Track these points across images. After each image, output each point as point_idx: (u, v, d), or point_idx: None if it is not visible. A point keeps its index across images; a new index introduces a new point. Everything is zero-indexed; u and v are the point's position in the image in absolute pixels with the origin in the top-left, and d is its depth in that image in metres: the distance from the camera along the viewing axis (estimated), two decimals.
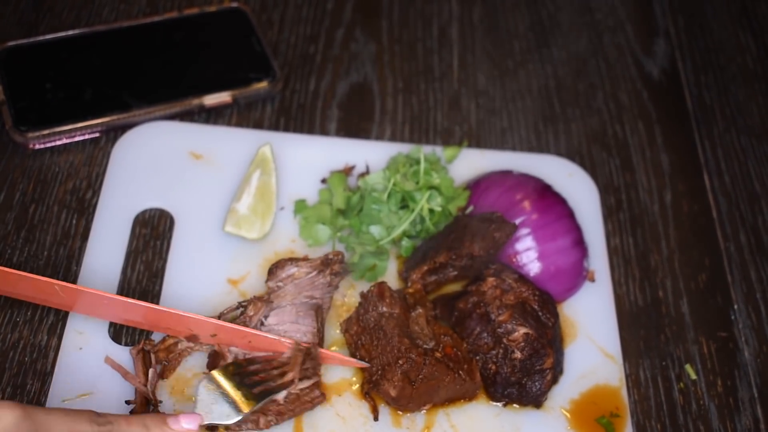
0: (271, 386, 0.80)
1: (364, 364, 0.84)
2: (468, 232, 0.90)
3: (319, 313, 0.86)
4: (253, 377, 0.80)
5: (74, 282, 0.88)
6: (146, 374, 0.81)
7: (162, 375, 0.83)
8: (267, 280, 0.88)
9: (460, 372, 0.83)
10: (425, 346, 0.83)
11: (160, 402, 0.81)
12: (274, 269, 0.88)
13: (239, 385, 0.78)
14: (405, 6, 1.22)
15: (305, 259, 0.89)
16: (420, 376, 0.81)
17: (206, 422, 0.75)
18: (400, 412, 0.84)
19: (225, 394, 0.77)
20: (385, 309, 0.84)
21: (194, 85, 1.03)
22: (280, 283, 0.87)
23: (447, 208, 0.95)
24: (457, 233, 0.90)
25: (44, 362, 0.84)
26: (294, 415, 0.82)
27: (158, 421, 0.71)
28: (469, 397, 0.85)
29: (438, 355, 0.83)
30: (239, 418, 0.76)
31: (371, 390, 0.84)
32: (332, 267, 0.88)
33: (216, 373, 0.79)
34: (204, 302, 0.88)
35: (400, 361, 0.81)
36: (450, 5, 1.23)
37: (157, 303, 0.88)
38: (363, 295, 0.87)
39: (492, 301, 0.87)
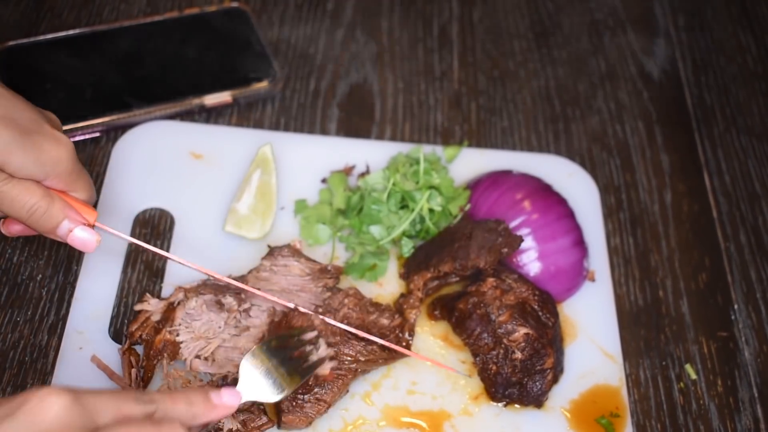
0: (311, 361, 0.78)
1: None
2: (474, 243, 0.89)
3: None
4: (294, 352, 0.77)
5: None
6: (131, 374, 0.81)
7: (145, 373, 0.81)
8: (263, 258, 0.89)
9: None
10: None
11: None
12: (276, 252, 0.89)
13: (282, 362, 0.75)
14: (405, 6, 1.22)
15: (308, 259, 0.89)
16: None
17: (247, 399, 0.72)
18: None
19: (268, 371, 0.74)
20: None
21: (194, 85, 1.03)
22: (275, 268, 0.88)
23: (447, 207, 0.95)
24: (461, 242, 0.90)
25: (44, 362, 0.84)
26: None
27: (202, 397, 0.68)
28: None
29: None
30: (281, 396, 0.74)
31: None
32: (326, 281, 0.88)
33: (258, 349, 0.75)
34: None
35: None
36: (450, 5, 1.23)
37: None
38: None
39: (492, 302, 0.87)
